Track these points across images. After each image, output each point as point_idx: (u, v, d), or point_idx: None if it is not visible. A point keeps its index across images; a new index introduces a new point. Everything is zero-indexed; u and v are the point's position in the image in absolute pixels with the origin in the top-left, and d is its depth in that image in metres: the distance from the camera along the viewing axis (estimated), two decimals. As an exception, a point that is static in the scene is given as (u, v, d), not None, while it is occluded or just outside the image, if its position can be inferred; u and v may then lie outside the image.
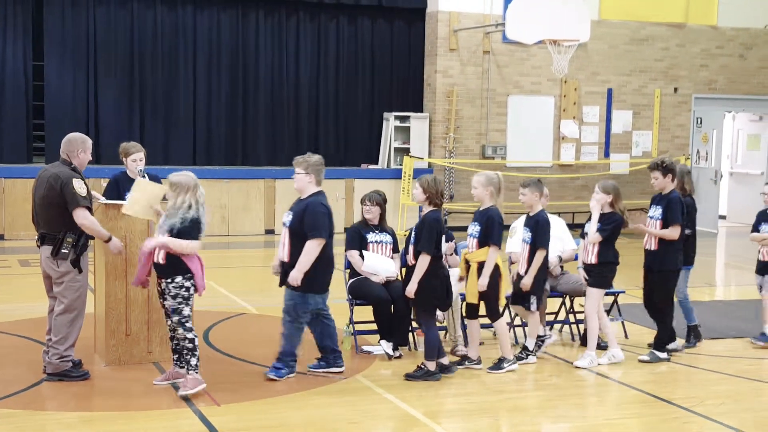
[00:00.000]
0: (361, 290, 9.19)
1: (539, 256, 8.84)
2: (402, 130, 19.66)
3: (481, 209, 8.72)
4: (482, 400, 7.89)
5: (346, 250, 9.34)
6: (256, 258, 16.16)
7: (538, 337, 9.17)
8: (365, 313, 9.38)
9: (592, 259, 9.01)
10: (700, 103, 21.49)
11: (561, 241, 9.68)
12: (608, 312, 10.00)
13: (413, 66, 20.24)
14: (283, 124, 19.68)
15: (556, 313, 10.23)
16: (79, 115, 18.20)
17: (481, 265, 8.51)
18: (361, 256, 9.21)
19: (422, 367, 8.39)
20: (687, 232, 9.44)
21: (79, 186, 7.90)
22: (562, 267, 9.83)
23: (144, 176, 9.53)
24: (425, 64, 19.87)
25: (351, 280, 9.34)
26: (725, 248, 18.91)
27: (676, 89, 21.19)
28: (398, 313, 9.13)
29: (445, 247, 8.85)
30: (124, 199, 9.12)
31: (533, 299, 8.89)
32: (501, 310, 8.75)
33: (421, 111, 19.89)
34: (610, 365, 9.00)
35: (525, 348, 9.10)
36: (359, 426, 7.21)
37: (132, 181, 9.48)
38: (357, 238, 9.33)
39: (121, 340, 8.56)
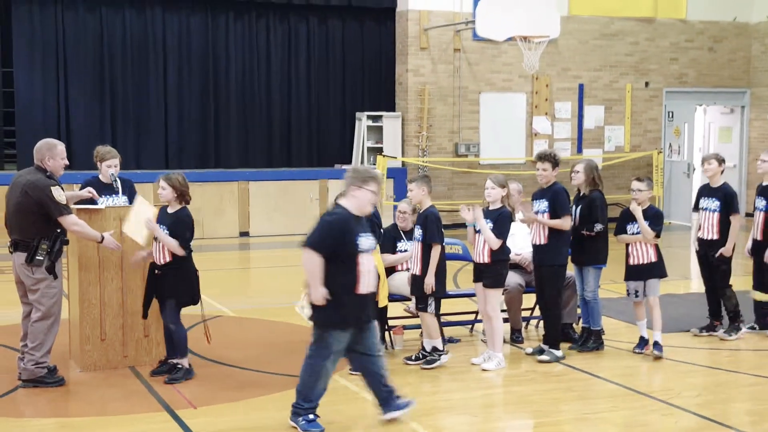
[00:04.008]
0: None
1: (435, 252, 8.55)
2: (375, 130, 19.65)
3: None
4: (459, 397, 7.89)
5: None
6: (231, 261, 16.12)
7: (436, 350, 8.80)
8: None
9: (485, 258, 8.69)
10: (671, 97, 21.61)
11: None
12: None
13: (385, 65, 20.24)
14: (255, 126, 19.61)
15: (532, 309, 10.26)
16: (49, 121, 18.09)
17: None
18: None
19: (179, 366, 8.27)
20: (599, 227, 9.28)
21: (58, 194, 7.87)
22: None
23: (116, 180, 9.48)
24: (396, 63, 19.87)
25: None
26: (699, 241, 18.97)
27: (647, 83, 21.29)
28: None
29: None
30: (96, 204, 9.09)
31: (431, 300, 8.61)
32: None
33: (394, 110, 19.88)
34: (591, 359, 9.05)
35: (435, 348, 8.80)
36: (337, 426, 7.19)
37: (105, 186, 9.44)
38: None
39: (97, 345, 8.52)
